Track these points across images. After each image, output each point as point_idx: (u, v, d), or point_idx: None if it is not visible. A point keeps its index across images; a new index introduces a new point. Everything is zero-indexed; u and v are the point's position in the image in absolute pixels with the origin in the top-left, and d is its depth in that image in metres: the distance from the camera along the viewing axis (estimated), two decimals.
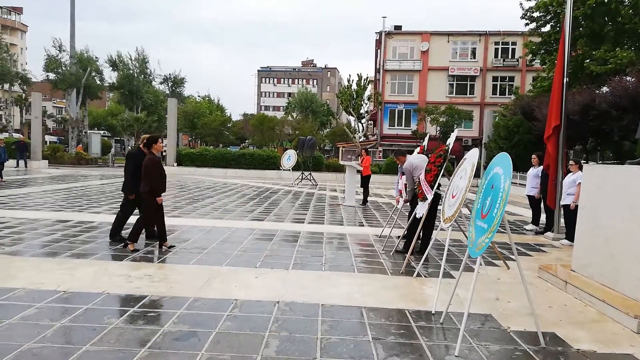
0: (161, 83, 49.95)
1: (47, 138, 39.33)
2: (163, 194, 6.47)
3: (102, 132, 43.43)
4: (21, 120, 58.22)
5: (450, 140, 6.26)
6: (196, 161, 26.38)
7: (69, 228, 7.66)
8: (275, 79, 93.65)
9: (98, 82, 39.59)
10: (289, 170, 21.37)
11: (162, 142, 7.08)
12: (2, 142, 17.01)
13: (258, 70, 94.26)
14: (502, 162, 3.89)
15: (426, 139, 8.28)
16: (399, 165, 7.72)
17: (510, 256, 6.89)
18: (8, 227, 7.58)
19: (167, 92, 49.47)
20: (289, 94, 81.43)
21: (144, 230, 6.68)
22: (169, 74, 50.10)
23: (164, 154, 32.79)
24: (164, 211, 6.65)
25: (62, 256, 5.77)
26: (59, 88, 36.17)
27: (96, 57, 38.43)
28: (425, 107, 37.11)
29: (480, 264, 4.07)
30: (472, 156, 4.80)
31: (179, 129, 36.52)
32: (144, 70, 43.89)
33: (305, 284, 5.04)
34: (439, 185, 6.12)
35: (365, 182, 13.33)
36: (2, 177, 15.83)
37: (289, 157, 21.68)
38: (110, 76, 44.57)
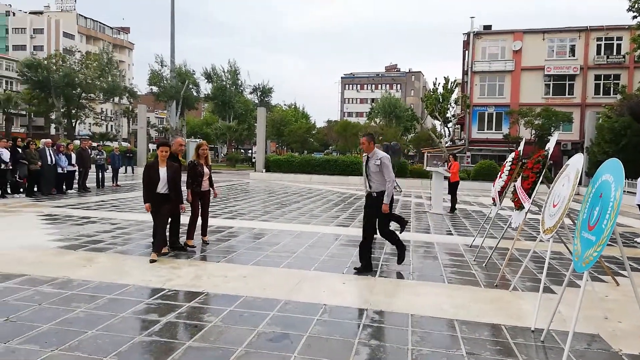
0: (251, 93, 52.41)
1: (151, 146, 42.91)
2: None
3: (198, 140, 46.40)
4: (128, 130, 64.11)
5: (551, 145, 5.86)
6: (283, 167, 27.22)
7: None
8: (359, 85, 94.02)
9: (195, 94, 42.46)
10: None
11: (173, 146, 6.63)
12: (117, 150, 18.85)
13: (341, 77, 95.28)
14: (612, 169, 3.56)
15: (522, 143, 7.82)
16: (366, 154, 6.34)
17: (620, 271, 6.28)
18: (119, 227, 8.37)
19: (256, 101, 51.74)
20: (372, 100, 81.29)
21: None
22: (258, 84, 52.43)
23: (253, 160, 34.27)
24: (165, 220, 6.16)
25: (166, 256, 6.24)
26: (160, 100, 39.36)
27: (193, 71, 41.36)
28: (519, 110, 35.01)
29: (587, 280, 3.74)
30: (576, 162, 4.46)
31: (267, 136, 37.99)
32: (235, 82, 46.30)
33: (393, 293, 4.99)
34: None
35: (453, 188, 12.89)
36: (117, 182, 17.50)
37: None
38: (205, 88, 47.61)
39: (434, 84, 31.90)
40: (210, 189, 7.10)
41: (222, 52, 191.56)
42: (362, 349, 3.51)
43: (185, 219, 6.79)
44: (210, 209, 11.21)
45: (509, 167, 7.02)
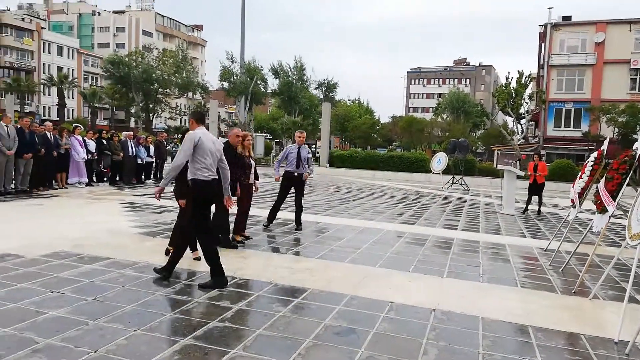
0: (316, 88, 52.80)
1: (221, 140, 44.36)
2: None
3: (265, 134, 47.60)
4: None
5: (639, 144, 5.41)
6: (346, 162, 27.25)
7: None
8: (425, 80, 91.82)
9: (262, 89, 43.52)
10: (439, 174, 20.77)
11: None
12: None
13: (407, 72, 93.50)
14: None
15: (606, 142, 7.28)
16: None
17: None
18: None
19: (321, 96, 52.10)
20: (439, 95, 79.11)
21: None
22: (323, 80, 52.71)
23: (317, 155, 34.54)
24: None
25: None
26: (230, 95, 40.71)
27: (261, 67, 42.35)
28: (600, 106, 32.59)
29: None
30: None
31: (331, 131, 38.21)
32: (301, 77, 46.90)
33: (463, 294, 4.85)
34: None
35: (539, 190, 12.05)
36: None
37: (439, 160, 21.06)
38: (273, 83, 48.67)
39: (507, 78, 30.43)
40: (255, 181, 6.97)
41: (291, 47, 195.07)
42: (430, 349, 3.46)
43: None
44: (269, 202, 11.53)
45: (591, 168, 6.57)
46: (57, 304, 3.92)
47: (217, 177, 4.81)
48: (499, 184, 20.58)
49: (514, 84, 30.01)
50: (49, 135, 11.29)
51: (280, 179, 8.10)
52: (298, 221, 8.11)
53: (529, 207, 12.13)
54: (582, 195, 6.53)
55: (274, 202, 8.17)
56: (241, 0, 35.00)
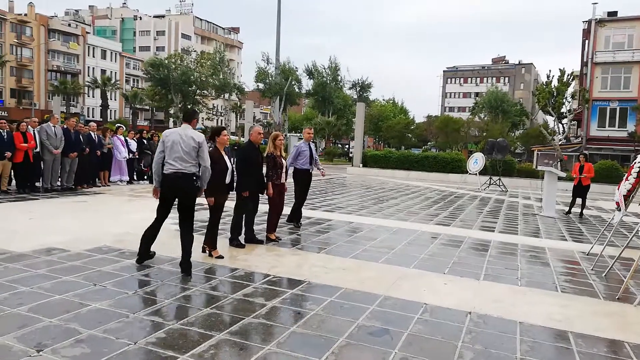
0: (350, 88, 52.79)
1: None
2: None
3: (298, 134, 47.92)
4: (236, 125, 68.12)
5: None
6: (380, 163, 27.06)
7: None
8: (462, 79, 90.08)
9: (297, 90, 43.84)
10: (476, 174, 20.32)
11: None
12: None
13: (444, 71, 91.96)
14: None
15: None
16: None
17: None
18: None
19: (355, 96, 52.01)
20: (477, 94, 77.51)
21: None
22: (357, 80, 52.61)
23: (350, 155, 34.55)
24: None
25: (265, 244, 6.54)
26: (265, 96, 41.20)
27: (296, 68, 42.72)
28: None
29: None
30: None
31: (364, 131, 38.08)
32: (335, 78, 46.97)
33: (499, 298, 4.74)
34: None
35: (584, 192, 11.63)
36: None
37: (476, 161, 20.60)
38: (307, 84, 48.99)
39: (548, 77, 29.42)
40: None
41: (326, 48, 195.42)
42: (465, 352, 3.40)
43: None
44: (309, 201, 11.60)
45: (638, 169, 6.29)
46: (100, 297, 4.09)
47: (182, 171, 4.82)
48: (538, 185, 19.97)
49: (555, 83, 29.00)
50: (93, 135, 11.76)
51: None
52: (299, 217, 8.07)
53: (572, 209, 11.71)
54: (627, 197, 6.26)
55: (295, 203, 8.05)
56: (277, 2, 35.37)
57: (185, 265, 4.89)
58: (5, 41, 50.16)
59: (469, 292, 4.89)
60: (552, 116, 31.53)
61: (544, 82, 29.70)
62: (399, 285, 4.96)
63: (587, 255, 7.03)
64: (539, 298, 4.82)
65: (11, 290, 4.14)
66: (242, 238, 6.30)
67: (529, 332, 3.84)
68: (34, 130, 10.30)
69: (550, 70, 29.61)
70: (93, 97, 57.91)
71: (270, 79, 40.46)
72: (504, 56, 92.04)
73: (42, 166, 10.53)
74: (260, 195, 6.44)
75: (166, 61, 49.61)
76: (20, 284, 4.31)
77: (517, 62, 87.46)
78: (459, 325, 3.92)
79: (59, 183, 10.96)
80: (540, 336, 3.79)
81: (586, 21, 36.52)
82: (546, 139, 32.04)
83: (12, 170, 10.10)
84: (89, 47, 60.29)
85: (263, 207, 6.94)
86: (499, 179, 19.61)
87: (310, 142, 8.05)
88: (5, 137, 9.64)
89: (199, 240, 5.65)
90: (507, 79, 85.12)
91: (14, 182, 10.43)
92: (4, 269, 4.72)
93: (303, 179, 7.90)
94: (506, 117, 55.55)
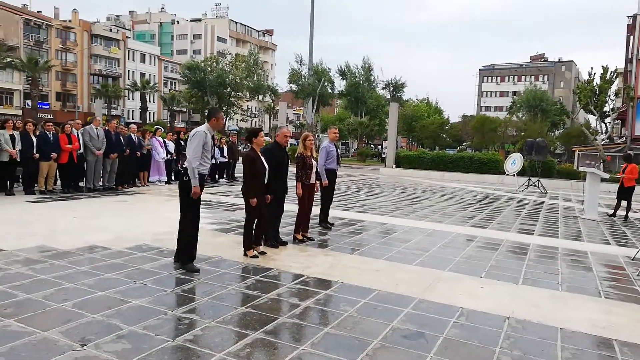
0: (383, 88, 52.43)
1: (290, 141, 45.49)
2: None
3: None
4: (269, 126, 68.87)
5: None
6: (413, 163, 26.73)
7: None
8: (499, 77, 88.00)
9: (329, 91, 43.91)
10: (513, 175, 19.79)
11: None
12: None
13: (480, 69, 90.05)
14: None
15: None
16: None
17: None
18: None
19: (388, 96, 51.61)
20: (514, 93, 75.55)
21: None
22: (391, 80, 52.19)
23: (383, 155, 34.30)
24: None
25: (303, 244, 6.58)
26: (298, 97, 41.45)
27: (328, 68, 42.80)
28: None
29: None
30: None
31: (397, 132, 37.72)
32: (368, 78, 46.76)
33: (539, 303, 4.60)
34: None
35: (627, 194, 11.21)
36: None
37: (514, 161, 20.08)
38: (340, 84, 48.96)
39: (589, 74, 28.36)
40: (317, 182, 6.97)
41: (359, 48, 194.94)
42: (504, 358, 3.32)
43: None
44: (341, 202, 11.60)
45: None
46: (139, 294, 4.21)
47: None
48: (580, 186, 19.26)
49: (597, 80, 27.92)
50: (133, 137, 12.14)
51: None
52: (327, 217, 8.07)
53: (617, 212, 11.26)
54: None
55: (323, 204, 7.99)
56: (310, 4, 35.53)
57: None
58: (51, 47, 52.49)
59: (506, 296, 4.76)
60: (594, 115, 30.37)
61: (586, 80, 28.66)
62: (434, 288, 4.89)
63: (633, 260, 6.73)
64: (581, 304, 4.65)
65: (57, 286, 4.33)
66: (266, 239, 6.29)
67: (571, 339, 3.71)
68: (77, 132, 10.72)
69: (592, 68, 28.37)
70: (133, 99, 59.79)
71: (303, 80, 40.68)
72: (543, 54, 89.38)
73: (85, 167, 10.95)
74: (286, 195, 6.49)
75: (202, 64, 50.67)
76: (65, 280, 4.50)
77: (557, 60, 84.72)
78: (497, 330, 3.83)
79: (101, 183, 11.37)
80: (583, 343, 3.66)
81: (631, 16, 34.98)
82: (588, 138, 30.90)
83: (57, 171, 10.54)
84: (129, 51, 62.31)
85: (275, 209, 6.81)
86: (538, 180, 19.02)
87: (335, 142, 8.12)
88: (52, 139, 10.08)
89: (234, 240, 5.73)
90: (546, 77, 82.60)
91: (59, 182, 10.90)
92: (50, 266, 4.94)
93: (330, 179, 7.94)
94: (545, 116, 53.86)
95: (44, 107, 47.95)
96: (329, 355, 3.21)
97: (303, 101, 42.35)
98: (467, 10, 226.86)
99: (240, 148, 19.88)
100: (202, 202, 5.26)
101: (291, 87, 44.51)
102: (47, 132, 10.08)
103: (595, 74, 28.14)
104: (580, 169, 12.79)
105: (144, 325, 3.54)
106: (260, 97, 55.04)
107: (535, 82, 74.32)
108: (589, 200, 11.26)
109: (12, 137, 9.61)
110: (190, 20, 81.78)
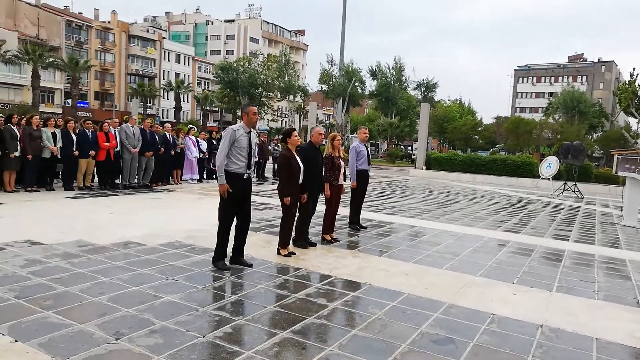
0: (414, 89, 51.88)
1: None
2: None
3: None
4: (299, 126, 69.17)
5: None
6: (444, 165, 26.33)
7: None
8: (535, 78, 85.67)
9: (360, 91, 43.76)
10: (549, 179, 19.24)
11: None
12: None
13: (515, 70, 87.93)
14: None
15: None
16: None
17: None
18: None
19: (419, 97, 51.04)
20: (551, 94, 73.43)
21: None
22: (422, 80, 51.60)
23: (413, 157, 33.92)
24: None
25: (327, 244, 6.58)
26: (329, 97, 41.48)
27: (359, 69, 42.68)
28: None
29: None
30: None
31: (428, 133, 37.30)
32: (399, 78, 46.36)
33: (574, 311, 4.47)
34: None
35: None
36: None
37: (549, 165, 19.52)
38: (370, 85, 48.75)
39: (631, 75, 27.20)
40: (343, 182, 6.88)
41: (391, 48, 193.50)
42: None
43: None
44: (371, 204, 11.54)
45: None
46: (172, 290, 4.32)
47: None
48: (619, 192, 18.54)
49: (639, 81, 26.81)
50: (167, 136, 12.44)
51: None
52: (358, 218, 8.00)
53: None
54: None
55: (353, 204, 7.96)
56: (343, 4, 35.54)
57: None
58: (91, 47, 54.34)
59: (540, 303, 4.64)
60: (636, 118, 29.18)
61: (627, 81, 27.53)
62: (464, 293, 4.81)
63: None
64: (618, 313, 4.49)
65: (93, 280, 4.48)
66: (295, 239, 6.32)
67: (607, 350, 3.59)
68: (114, 131, 11.07)
69: (634, 69, 27.22)
70: (167, 99, 61.19)
71: (333, 80, 40.72)
72: (582, 54, 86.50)
73: (121, 164, 11.29)
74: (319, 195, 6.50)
75: (235, 64, 51.39)
76: (101, 274, 4.65)
77: (597, 60, 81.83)
78: (529, 338, 3.74)
79: (136, 180, 11.69)
80: (619, 355, 3.53)
81: None
82: (628, 142, 29.73)
83: (95, 168, 10.91)
84: (164, 51, 63.80)
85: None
86: (575, 185, 18.43)
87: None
88: (90, 136, 10.43)
89: (263, 239, 5.78)
90: (584, 77, 79.92)
91: (96, 178, 11.27)
92: (87, 260, 5.12)
93: (362, 180, 7.85)
94: (583, 118, 52.15)
95: (83, 105, 49.70)
96: (357, 358, 3.20)
97: (333, 101, 42.38)
98: (500, 9, 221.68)
99: (270, 148, 20.03)
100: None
101: (322, 87, 44.63)
102: (86, 130, 10.44)
103: (637, 74, 27.01)
104: (620, 173, 12.30)
105: (175, 321, 3.62)
106: (291, 97, 55.38)
107: (573, 82, 71.98)
108: (628, 206, 10.84)
109: (54, 134, 9.99)
110: (224, 21, 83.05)
